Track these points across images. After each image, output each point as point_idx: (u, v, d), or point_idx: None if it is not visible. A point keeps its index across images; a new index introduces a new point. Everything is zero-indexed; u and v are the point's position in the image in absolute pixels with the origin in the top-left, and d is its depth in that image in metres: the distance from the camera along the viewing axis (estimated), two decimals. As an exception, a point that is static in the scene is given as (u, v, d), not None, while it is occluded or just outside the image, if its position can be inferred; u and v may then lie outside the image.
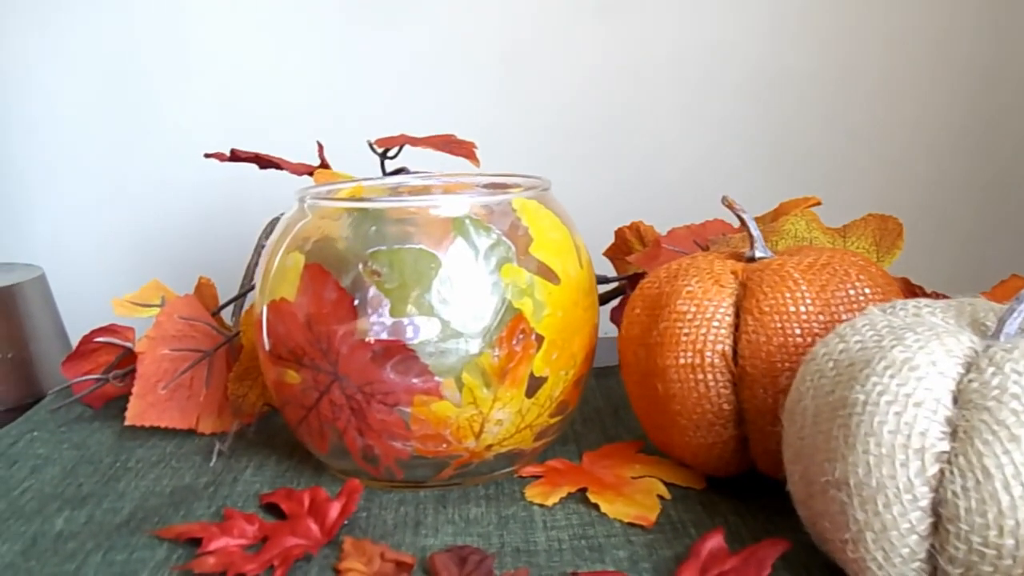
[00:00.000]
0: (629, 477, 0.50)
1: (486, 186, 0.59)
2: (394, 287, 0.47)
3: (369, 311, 0.47)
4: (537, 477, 0.51)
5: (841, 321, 0.45)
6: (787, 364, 0.45)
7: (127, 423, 0.57)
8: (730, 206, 0.52)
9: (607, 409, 0.61)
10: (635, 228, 0.71)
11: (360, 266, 0.47)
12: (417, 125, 0.74)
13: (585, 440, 0.56)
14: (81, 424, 0.62)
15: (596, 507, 0.48)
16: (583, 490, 0.49)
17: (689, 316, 0.47)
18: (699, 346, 0.47)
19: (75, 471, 0.55)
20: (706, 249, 0.65)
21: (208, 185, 0.88)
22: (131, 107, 0.86)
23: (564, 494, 0.49)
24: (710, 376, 0.47)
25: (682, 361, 0.47)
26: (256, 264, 0.70)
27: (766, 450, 0.47)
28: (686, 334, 0.47)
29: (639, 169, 0.88)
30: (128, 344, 0.65)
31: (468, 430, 0.48)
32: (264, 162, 0.69)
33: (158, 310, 0.65)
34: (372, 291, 0.47)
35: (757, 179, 0.88)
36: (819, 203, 0.66)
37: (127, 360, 0.65)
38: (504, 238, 0.48)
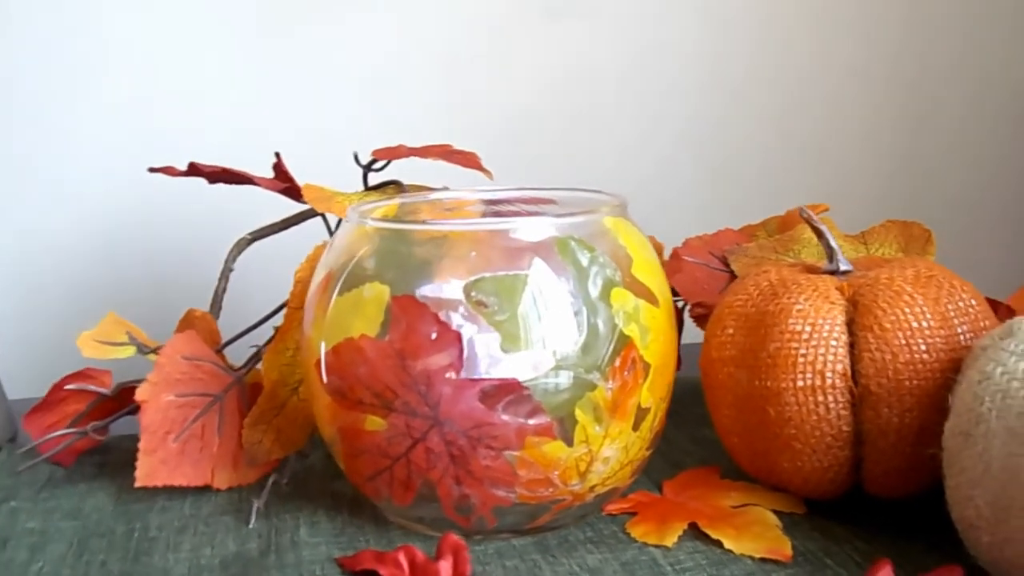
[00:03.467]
0: (729, 507, 0.48)
1: (495, 201, 0.55)
2: (505, 319, 0.42)
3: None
4: (630, 514, 0.48)
5: (958, 335, 0.45)
6: (915, 382, 0.44)
7: (137, 484, 0.49)
8: (808, 219, 0.51)
9: (649, 432, 0.58)
10: (633, 239, 0.69)
11: (464, 297, 0.42)
12: (362, 136, 0.68)
13: (649, 468, 0.53)
14: (61, 487, 0.53)
15: (717, 543, 0.45)
16: (692, 525, 0.46)
17: (804, 336, 0.45)
18: (819, 367, 0.45)
19: (87, 547, 0.47)
20: (724, 260, 0.64)
21: (122, 210, 0.79)
22: (31, 118, 0.76)
23: (680, 531, 0.45)
24: (830, 397, 0.45)
25: (800, 383, 0.45)
26: (223, 290, 0.62)
27: (885, 471, 0.45)
28: (803, 355, 0.45)
29: (595, 177, 0.85)
30: (104, 391, 0.56)
31: (575, 471, 0.44)
32: (231, 177, 0.61)
33: (132, 349, 0.57)
34: (462, 323, 0.42)
35: (719, 188, 0.87)
36: (827, 209, 0.66)
37: (100, 409, 0.56)
38: (609, 259, 0.45)
